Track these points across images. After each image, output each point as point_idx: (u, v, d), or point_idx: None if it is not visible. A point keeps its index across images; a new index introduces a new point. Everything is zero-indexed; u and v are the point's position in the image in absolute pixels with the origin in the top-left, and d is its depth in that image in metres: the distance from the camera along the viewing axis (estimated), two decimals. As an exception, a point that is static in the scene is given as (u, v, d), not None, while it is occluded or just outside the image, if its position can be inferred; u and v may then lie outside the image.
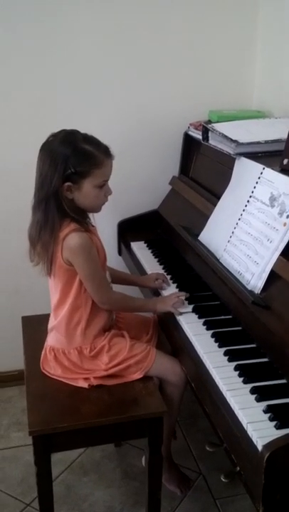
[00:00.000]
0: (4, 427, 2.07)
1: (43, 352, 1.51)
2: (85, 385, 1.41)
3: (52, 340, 1.51)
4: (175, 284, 1.70)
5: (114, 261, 1.99)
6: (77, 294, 1.44)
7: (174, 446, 1.79)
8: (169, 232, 1.99)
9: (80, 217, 1.41)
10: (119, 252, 2.18)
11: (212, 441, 1.68)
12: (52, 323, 1.51)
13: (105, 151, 1.39)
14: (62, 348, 1.47)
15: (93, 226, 1.51)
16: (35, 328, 1.66)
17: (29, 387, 1.43)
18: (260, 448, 0.96)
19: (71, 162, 1.33)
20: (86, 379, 1.42)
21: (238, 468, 1.55)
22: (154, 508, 1.44)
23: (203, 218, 1.69)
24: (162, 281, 1.69)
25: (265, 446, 0.93)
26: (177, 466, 1.74)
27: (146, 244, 2.06)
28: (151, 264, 1.88)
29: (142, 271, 1.87)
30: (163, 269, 1.82)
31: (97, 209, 1.46)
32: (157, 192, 2.13)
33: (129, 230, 2.14)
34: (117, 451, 1.94)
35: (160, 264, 1.87)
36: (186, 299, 1.55)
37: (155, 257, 1.94)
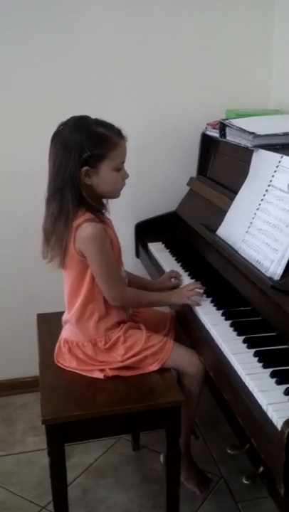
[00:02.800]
0: (20, 432, 2.04)
1: (57, 345, 1.49)
2: (100, 376, 1.39)
3: (66, 332, 1.49)
4: (193, 280, 1.68)
5: (132, 264, 1.98)
6: (90, 287, 1.41)
7: (195, 450, 1.75)
8: (188, 233, 1.97)
9: (98, 205, 1.40)
10: (137, 255, 2.16)
11: (233, 444, 1.64)
12: (66, 316, 1.50)
13: (119, 133, 1.39)
14: (77, 340, 1.45)
15: (108, 219, 1.49)
16: (50, 324, 1.64)
17: (43, 379, 1.41)
18: (280, 427, 0.92)
19: (86, 146, 1.32)
20: (102, 370, 1.40)
21: (261, 470, 1.50)
22: (173, 506, 1.38)
23: (223, 214, 1.67)
24: (177, 278, 1.67)
25: (286, 423, 0.89)
26: (196, 465, 1.69)
27: (164, 245, 2.04)
28: (169, 263, 1.86)
29: (160, 271, 1.85)
30: (181, 266, 1.81)
31: (115, 194, 1.44)
32: (175, 194, 2.12)
33: (146, 231, 2.13)
34: (135, 455, 1.89)
35: (178, 263, 1.85)
36: (204, 292, 1.53)
37: (173, 257, 1.92)
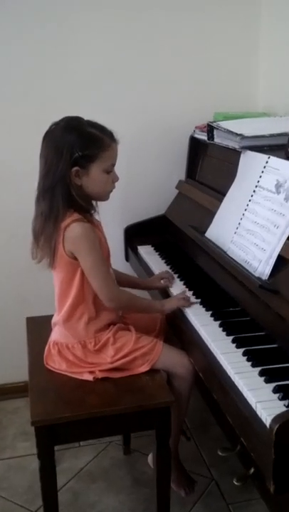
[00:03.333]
0: (11, 437, 2.03)
1: (46, 347, 1.48)
2: (90, 377, 1.38)
3: (55, 334, 1.48)
4: (182, 282, 1.68)
5: (122, 267, 1.95)
6: (79, 288, 1.40)
7: (186, 452, 1.75)
8: (177, 235, 1.98)
9: (87, 205, 1.40)
10: (127, 258, 2.16)
11: (224, 446, 1.64)
12: (55, 317, 1.49)
13: (111, 135, 1.39)
14: (66, 342, 1.44)
15: (98, 220, 1.48)
16: (39, 328, 1.63)
17: (32, 382, 1.40)
18: (269, 424, 0.92)
19: (78, 146, 1.32)
20: (91, 372, 1.39)
21: (252, 471, 1.51)
22: (163, 507, 1.37)
23: (211, 217, 1.68)
24: (168, 279, 1.67)
25: (274, 420, 0.89)
26: (183, 467, 1.68)
27: (153, 248, 2.05)
28: (158, 266, 1.86)
29: (150, 274, 1.85)
30: (170, 269, 1.80)
31: (105, 196, 1.44)
32: (164, 197, 2.13)
33: (136, 235, 2.13)
34: (126, 459, 1.88)
35: (167, 265, 1.86)
36: (193, 294, 1.54)
37: (162, 259, 1.92)
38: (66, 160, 1.32)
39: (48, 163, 1.34)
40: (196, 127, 2.01)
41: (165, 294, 1.66)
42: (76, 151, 1.32)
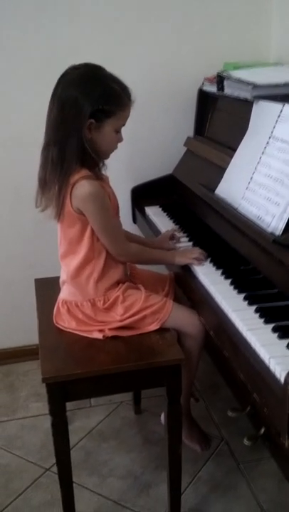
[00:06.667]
0: (23, 398, 2.05)
1: (56, 306, 1.46)
2: (99, 336, 1.37)
3: (64, 293, 1.46)
4: (191, 242, 1.64)
5: (129, 230, 1.90)
6: (89, 246, 1.37)
7: (196, 413, 1.74)
8: (185, 195, 1.92)
9: (98, 159, 1.35)
10: (134, 220, 2.12)
11: (234, 407, 1.63)
12: (63, 276, 1.46)
13: (130, 95, 1.35)
14: (76, 300, 1.42)
15: (105, 175, 1.43)
16: (48, 288, 1.61)
17: (42, 341, 1.39)
18: (283, 379, 0.90)
19: (100, 99, 1.28)
20: (101, 330, 1.38)
21: (262, 431, 1.50)
22: (175, 464, 1.37)
23: (222, 173, 1.61)
24: (174, 237, 1.64)
25: (289, 374, 0.86)
26: (197, 424, 1.69)
27: (161, 209, 1.99)
28: (167, 226, 1.81)
29: (158, 235, 1.79)
30: (179, 229, 1.76)
31: (107, 155, 1.40)
32: (171, 156, 2.05)
33: (143, 196, 2.07)
34: (137, 418, 1.89)
35: (176, 224, 1.81)
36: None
37: (171, 219, 1.87)
38: (85, 112, 1.27)
39: (65, 112, 1.28)
40: (205, 79, 1.92)
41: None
42: (97, 104, 1.27)
